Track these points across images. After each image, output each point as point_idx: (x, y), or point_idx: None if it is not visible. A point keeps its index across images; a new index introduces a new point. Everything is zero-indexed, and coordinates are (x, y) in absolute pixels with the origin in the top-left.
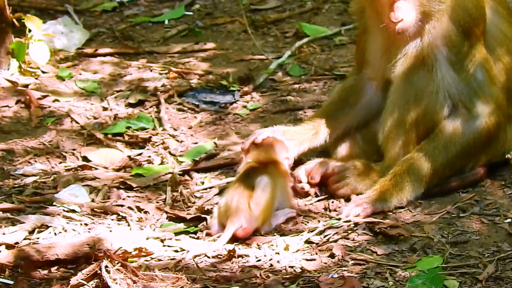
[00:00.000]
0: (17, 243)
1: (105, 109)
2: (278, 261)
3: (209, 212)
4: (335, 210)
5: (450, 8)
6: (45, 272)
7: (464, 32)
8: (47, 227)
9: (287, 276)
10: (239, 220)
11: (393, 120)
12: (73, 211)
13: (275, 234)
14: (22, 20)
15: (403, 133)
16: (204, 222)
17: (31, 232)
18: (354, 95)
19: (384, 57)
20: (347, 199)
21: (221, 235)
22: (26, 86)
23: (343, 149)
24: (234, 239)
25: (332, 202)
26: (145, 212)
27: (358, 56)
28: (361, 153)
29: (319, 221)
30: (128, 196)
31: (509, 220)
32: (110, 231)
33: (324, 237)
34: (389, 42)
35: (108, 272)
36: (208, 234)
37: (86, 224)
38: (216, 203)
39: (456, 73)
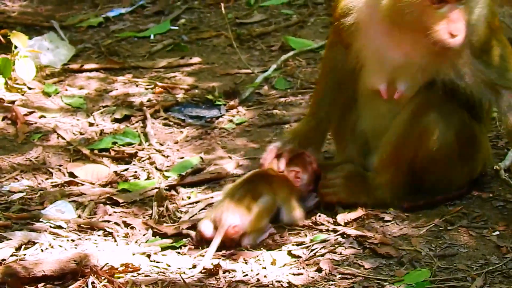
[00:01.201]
0: (4, 259)
1: (91, 124)
2: (265, 276)
3: (194, 226)
4: (322, 224)
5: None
6: None
7: (489, 27)
8: (34, 243)
9: None
10: (234, 217)
11: (393, 144)
12: (60, 227)
13: (261, 248)
14: (8, 37)
15: (400, 159)
16: (189, 238)
17: (18, 249)
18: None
19: (387, 65)
20: (332, 209)
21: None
22: (12, 102)
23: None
24: (221, 250)
25: (319, 215)
26: (132, 228)
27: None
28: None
29: (306, 235)
30: (115, 212)
31: (497, 232)
32: (97, 247)
33: (311, 251)
34: (409, 54)
35: None
36: (197, 244)
37: (72, 240)
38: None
39: (486, 67)
